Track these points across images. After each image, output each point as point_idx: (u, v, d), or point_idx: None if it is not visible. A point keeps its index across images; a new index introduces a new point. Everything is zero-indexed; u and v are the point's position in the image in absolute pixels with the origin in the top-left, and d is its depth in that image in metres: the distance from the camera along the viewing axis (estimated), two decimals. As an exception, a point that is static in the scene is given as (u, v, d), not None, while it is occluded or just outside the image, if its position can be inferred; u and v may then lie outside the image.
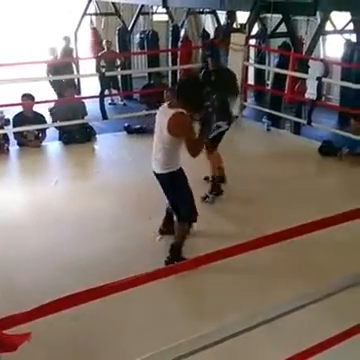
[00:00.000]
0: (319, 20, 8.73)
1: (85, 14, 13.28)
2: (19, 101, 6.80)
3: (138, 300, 3.10)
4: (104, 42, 12.07)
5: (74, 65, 12.00)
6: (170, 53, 13.50)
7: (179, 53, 12.56)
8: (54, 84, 10.57)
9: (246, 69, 8.03)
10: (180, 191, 3.81)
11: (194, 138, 3.65)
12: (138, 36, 13.27)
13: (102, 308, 2.65)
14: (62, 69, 10.47)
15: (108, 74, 8.97)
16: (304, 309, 2.57)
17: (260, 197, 5.14)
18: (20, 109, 6.80)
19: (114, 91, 11.74)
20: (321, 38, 10.31)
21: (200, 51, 13.37)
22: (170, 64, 13.29)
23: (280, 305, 2.74)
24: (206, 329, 2.62)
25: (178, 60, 12.39)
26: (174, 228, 4.06)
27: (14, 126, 6.70)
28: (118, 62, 12.21)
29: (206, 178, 5.34)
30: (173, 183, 3.79)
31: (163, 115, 3.65)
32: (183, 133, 3.58)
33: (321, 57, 11.31)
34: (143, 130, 7.32)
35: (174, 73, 12.36)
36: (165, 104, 3.77)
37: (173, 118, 3.53)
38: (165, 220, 4.29)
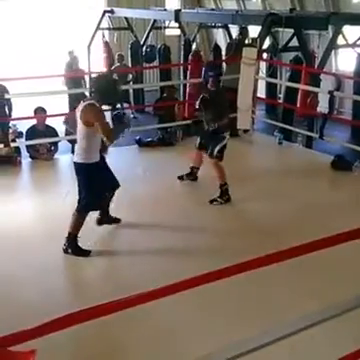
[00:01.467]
0: (331, 34, 8.72)
1: (98, 28, 13.42)
2: (32, 114, 6.86)
3: (145, 316, 3.06)
4: (116, 56, 12.15)
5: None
6: (182, 67, 13.55)
7: (189, 67, 12.59)
8: (71, 96, 10.68)
9: (256, 83, 8.02)
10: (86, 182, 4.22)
11: (106, 126, 4.07)
12: (144, 49, 13.34)
13: (107, 325, 2.62)
14: (76, 83, 10.58)
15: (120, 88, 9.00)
16: (319, 326, 2.51)
17: (272, 211, 5.09)
18: (33, 122, 6.85)
19: (125, 105, 11.79)
20: (333, 52, 10.27)
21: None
22: (182, 78, 13.34)
23: (294, 321, 2.67)
24: (215, 346, 2.56)
25: (188, 74, 12.43)
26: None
27: (26, 139, 6.75)
28: (130, 76, 12.28)
29: (180, 177, 5.77)
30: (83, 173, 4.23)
31: (78, 110, 4.10)
32: (94, 120, 3.99)
33: (333, 71, 11.28)
34: (154, 143, 7.35)
35: (185, 87, 12.38)
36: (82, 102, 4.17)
37: (84, 109, 4.00)
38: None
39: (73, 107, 10.30)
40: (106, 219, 4.71)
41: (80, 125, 4.09)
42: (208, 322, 3.31)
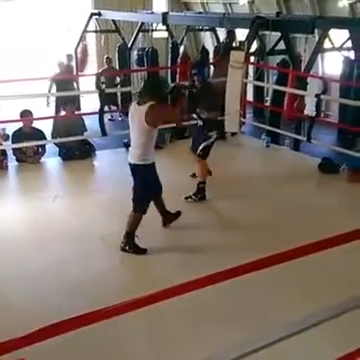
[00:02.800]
0: (317, 37, 8.80)
1: (85, 31, 13.37)
2: (18, 117, 6.80)
3: (140, 321, 3.04)
4: (104, 59, 12.12)
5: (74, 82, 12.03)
6: (170, 70, 13.57)
7: (178, 70, 12.62)
8: (57, 99, 10.63)
9: (245, 86, 8.06)
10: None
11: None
12: (136, 53, 13.33)
13: (104, 330, 2.60)
14: (65, 85, 10.52)
15: (108, 91, 8.99)
16: (312, 330, 2.52)
17: (259, 214, 5.10)
18: (19, 125, 6.80)
19: (113, 107, 11.77)
20: (320, 55, 10.37)
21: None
22: (169, 80, 13.35)
23: (290, 324, 2.67)
24: (213, 350, 2.56)
25: (177, 77, 12.44)
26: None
27: (13, 142, 6.69)
28: (118, 79, 12.26)
29: (193, 175, 5.74)
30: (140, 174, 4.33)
31: (135, 113, 4.24)
32: (161, 116, 4.24)
33: (320, 74, 11.38)
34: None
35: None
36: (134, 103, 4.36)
37: (148, 110, 4.11)
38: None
39: (59, 109, 10.37)
40: (170, 217, 4.75)
41: (141, 125, 4.18)
42: (205, 326, 3.30)
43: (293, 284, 3.76)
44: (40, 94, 10.07)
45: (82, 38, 13.42)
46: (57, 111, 10.74)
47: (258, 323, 3.18)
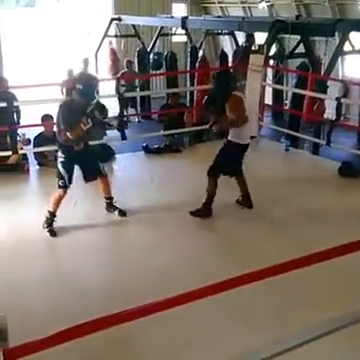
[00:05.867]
0: (338, 40, 8.73)
1: (105, 36, 13.52)
2: (39, 122, 6.90)
3: (155, 326, 3.05)
4: (125, 62, 12.20)
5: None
6: (188, 74, 13.61)
7: (196, 74, 12.65)
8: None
9: (263, 89, 8.03)
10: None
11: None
12: (151, 56, 13.42)
13: (120, 335, 2.62)
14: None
15: (127, 95, 9.07)
16: (329, 336, 2.50)
17: (279, 218, 5.08)
18: (40, 130, 6.90)
19: (131, 110, 11.83)
20: (340, 58, 10.28)
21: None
22: (188, 84, 13.39)
23: (306, 331, 2.66)
24: (228, 356, 2.56)
25: (196, 81, 12.47)
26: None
27: (34, 146, 6.79)
28: (137, 82, 12.34)
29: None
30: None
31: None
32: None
33: (340, 77, 11.28)
34: (161, 150, 7.37)
35: (192, 93, 12.42)
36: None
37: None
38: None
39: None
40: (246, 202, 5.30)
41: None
42: (220, 331, 3.28)
43: (314, 289, 3.73)
44: (60, 99, 10.17)
45: (109, 43, 13.59)
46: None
47: (278, 327, 3.17)
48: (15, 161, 6.44)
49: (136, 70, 13.19)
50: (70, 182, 4.86)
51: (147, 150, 7.48)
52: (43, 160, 6.80)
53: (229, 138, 5.04)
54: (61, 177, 4.82)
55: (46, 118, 6.92)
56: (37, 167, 6.83)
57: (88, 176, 5.00)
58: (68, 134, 4.62)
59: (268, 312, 3.47)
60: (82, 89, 4.63)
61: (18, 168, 6.45)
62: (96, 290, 3.80)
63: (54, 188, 4.85)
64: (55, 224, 4.89)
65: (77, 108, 4.63)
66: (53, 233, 4.78)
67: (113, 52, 13.85)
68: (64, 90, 10.66)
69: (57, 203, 4.87)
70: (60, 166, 4.82)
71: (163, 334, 3.21)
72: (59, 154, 4.86)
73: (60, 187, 4.84)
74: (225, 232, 4.88)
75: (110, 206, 5.23)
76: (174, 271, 4.06)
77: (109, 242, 4.80)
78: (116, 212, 5.17)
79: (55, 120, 4.92)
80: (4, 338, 1.66)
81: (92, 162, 5.00)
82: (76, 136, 4.65)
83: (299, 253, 2.35)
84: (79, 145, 4.80)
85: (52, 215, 4.87)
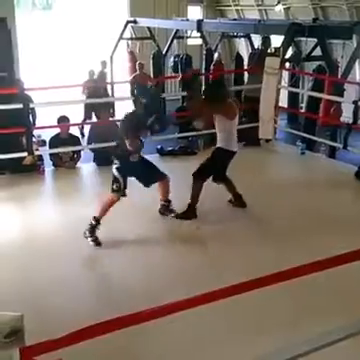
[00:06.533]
0: (355, 43, 8.65)
1: (121, 38, 13.59)
2: (55, 123, 6.95)
3: (166, 328, 3.02)
4: (137, 64, 12.26)
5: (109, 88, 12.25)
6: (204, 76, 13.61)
7: (211, 77, 12.64)
8: (88, 106, 10.84)
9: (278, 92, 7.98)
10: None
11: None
12: (172, 59, 13.46)
13: (127, 338, 2.61)
14: (96, 92, 10.73)
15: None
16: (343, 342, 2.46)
17: (294, 223, 5.03)
18: (56, 131, 6.95)
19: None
20: (357, 61, 10.18)
21: (233, 75, 13.46)
22: (203, 87, 13.37)
23: (313, 338, 2.61)
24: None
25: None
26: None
27: (50, 147, 6.84)
28: (150, 85, 12.36)
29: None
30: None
31: None
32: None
33: (357, 80, 11.17)
34: (175, 152, 7.35)
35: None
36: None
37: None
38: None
39: (90, 116, 10.62)
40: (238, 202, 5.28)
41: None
42: (225, 337, 3.24)
43: (330, 293, 3.67)
44: (75, 101, 10.26)
45: (127, 46, 13.68)
46: (86, 118, 10.99)
47: (291, 333, 3.13)
48: (30, 162, 6.49)
49: (151, 73, 13.23)
50: (125, 187, 4.60)
51: (162, 152, 7.47)
52: (58, 161, 6.84)
53: (219, 145, 5.09)
54: (116, 180, 4.57)
55: (62, 120, 6.97)
56: (52, 168, 6.88)
57: (147, 183, 4.87)
58: (128, 146, 4.54)
59: (281, 316, 3.42)
60: (147, 103, 4.66)
61: (33, 169, 6.50)
62: (117, 291, 3.78)
63: (69, 188, 4.84)
64: (71, 223, 4.86)
65: (139, 121, 4.61)
66: (98, 243, 4.47)
67: (133, 55, 13.91)
68: (86, 91, 10.85)
69: (106, 209, 4.55)
70: (115, 171, 4.60)
71: (173, 337, 3.18)
72: (114, 161, 4.67)
73: (113, 191, 4.56)
74: (243, 236, 4.83)
75: (166, 209, 5.08)
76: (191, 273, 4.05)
77: (123, 241, 4.76)
78: (172, 214, 5.07)
79: (120, 132, 4.78)
80: (21, 337, 1.66)
81: (148, 170, 4.87)
82: (135, 148, 4.60)
83: (315, 257, 2.31)
84: (134, 157, 4.70)
85: (97, 222, 4.52)
